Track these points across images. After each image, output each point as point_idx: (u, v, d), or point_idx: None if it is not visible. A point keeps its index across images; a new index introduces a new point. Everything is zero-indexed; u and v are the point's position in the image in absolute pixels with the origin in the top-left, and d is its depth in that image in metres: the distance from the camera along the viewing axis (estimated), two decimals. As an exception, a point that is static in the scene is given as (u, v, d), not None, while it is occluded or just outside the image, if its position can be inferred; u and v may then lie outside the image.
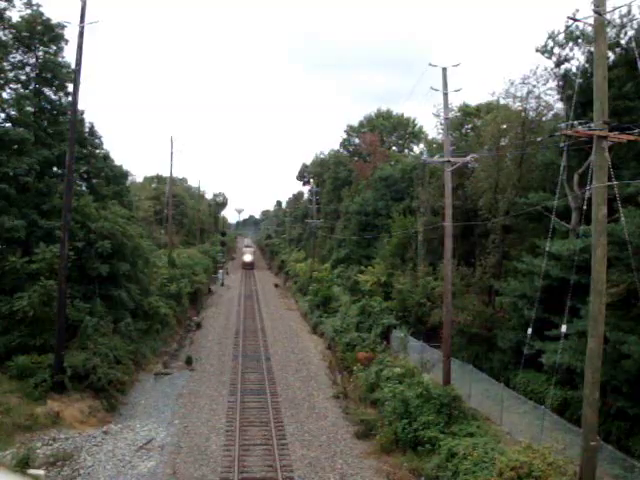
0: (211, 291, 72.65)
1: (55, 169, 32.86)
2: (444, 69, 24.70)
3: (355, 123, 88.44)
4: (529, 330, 18.05)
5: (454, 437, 20.29)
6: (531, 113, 33.15)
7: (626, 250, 16.44)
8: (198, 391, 30.63)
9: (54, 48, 31.70)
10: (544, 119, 33.53)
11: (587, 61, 26.21)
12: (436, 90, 24.88)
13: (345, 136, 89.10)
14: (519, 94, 33.15)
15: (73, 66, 27.11)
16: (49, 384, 24.84)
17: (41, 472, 19.09)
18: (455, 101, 45.71)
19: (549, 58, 29.30)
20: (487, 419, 22.97)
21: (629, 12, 25.30)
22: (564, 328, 16.68)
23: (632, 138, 14.18)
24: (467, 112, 43.65)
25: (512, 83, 33.26)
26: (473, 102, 44.88)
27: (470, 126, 43.23)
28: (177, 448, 22.79)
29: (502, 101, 36.21)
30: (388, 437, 22.83)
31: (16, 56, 31.12)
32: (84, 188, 34.95)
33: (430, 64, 24.73)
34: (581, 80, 22.84)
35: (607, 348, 17.10)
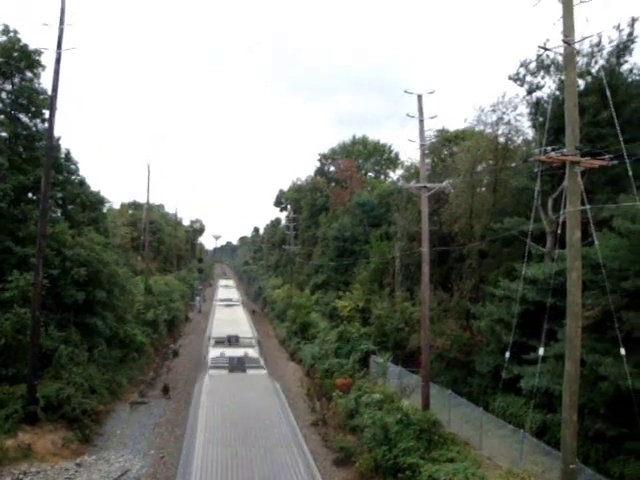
0: (188, 318, 71.90)
1: (30, 195, 32.54)
2: (419, 96, 25.15)
3: (330, 150, 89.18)
4: (507, 354, 18.14)
5: (434, 463, 20.14)
6: (502, 139, 33.84)
7: (600, 273, 16.68)
8: (175, 420, 30.13)
9: (30, 75, 31.61)
10: (515, 145, 34.25)
11: (558, 89, 26.90)
12: (412, 117, 25.29)
13: (318, 165, 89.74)
14: (490, 121, 33.92)
15: (49, 92, 27.03)
16: (21, 415, 24.17)
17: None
18: (435, 125, 46.23)
19: (521, 86, 30.04)
20: (467, 444, 22.89)
21: (599, 43, 26.12)
22: (541, 351, 16.78)
23: (603, 163, 14.52)
24: (446, 138, 44.31)
25: (482, 110, 34.08)
26: (453, 127, 45.66)
27: (449, 152, 43.83)
28: (153, 479, 22.31)
29: (476, 128, 36.99)
30: (368, 464, 22.58)
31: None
32: (59, 214, 34.63)
33: (405, 91, 25.22)
34: (553, 107, 23.35)
35: (584, 370, 17.23)
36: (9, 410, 24.10)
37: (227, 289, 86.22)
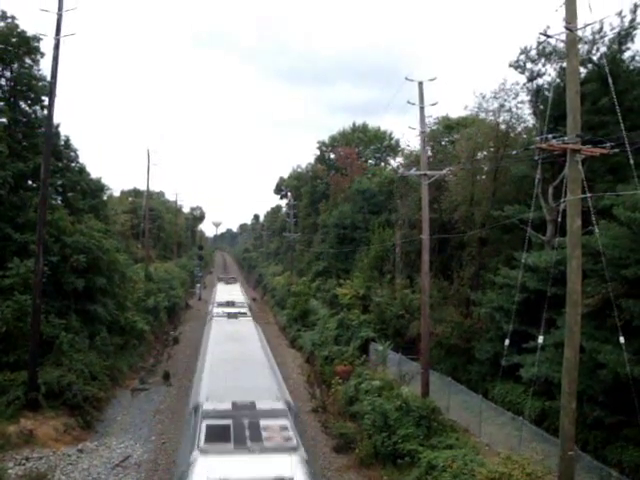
0: (189, 305, 72.07)
1: (30, 182, 32.45)
2: (420, 83, 25.04)
3: (332, 137, 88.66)
4: (506, 342, 18.21)
5: (433, 449, 20.29)
6: (503, 126, 33.72)
7: (600, 262, 16.69)
8: (175, 407, 30.26)
9: (29, 61, 31.43)
10: (516, 132, 34.14)
11: (559, 76, 26.74)
12: (412, 104, 25.18)
13: (318, 152, 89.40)
14: (491, 108, 33.82)
15: (49, 79, 26.89)
16: (22, 402, 24.25)
17: (14, 492, 18.69)
18: (436, 113, 46.07)
19: (522, 73, 29.88)
20: (466, 431, 23.02)
21: (600, 29, 25.96)
22: (541, 339, 16.83)
23: (604, 151, 14.44)
24: (448, 125, 44.20)
25: (483, 97, 33.97)
26: (457, 114, 45.56)
27: (449, 139, 43.72)
28: (154, 465, 22.48)
29: (477, 116, 36.88)
30: (367, 450, 22.75)
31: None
32: (59, 202, 34.55)
33: (407, 78, 25.07)
34: (553, 95, 23.24)
35: (583, 358, 17.28)
36: (11, 396, 24.19)
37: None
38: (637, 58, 26.39)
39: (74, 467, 21.57)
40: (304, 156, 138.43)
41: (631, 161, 14.44)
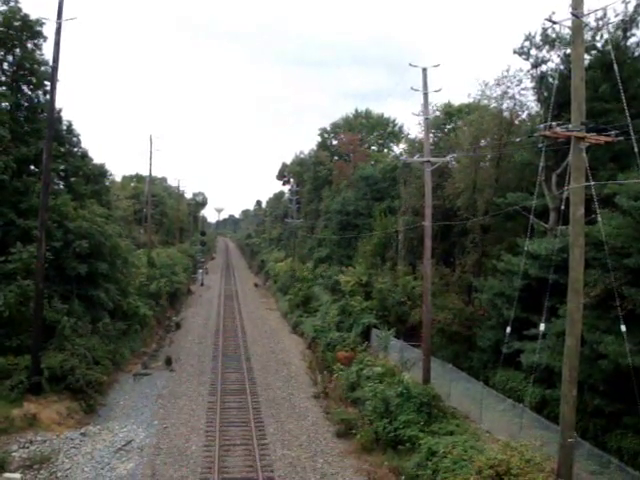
0: (190, 291, 72.25)
1: (32, 167, 32.38)
2: (424, 69, 24.88)
3: (335, 124, 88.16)
4: (507, 329, 18.23)
5: (434, 436, 20.40)
6: (506, 113, 33.55)
7: (603, 251, 16.65)
8: (178, 391, 30.45)
9: (32, 46, 31.21)
10: (519, 119, 33.97)
11: (563, 63, 26.55)
12: (416, 90, 25.05)
13: (320, 139, 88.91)
14: (494, 95, 33.63)
15: (51, 63, 26.75)
16: (26, 386, 24.49)
17: (17, 476, 18.90)
18: (439, 100, 46.05)
19: (526, 59, 29.66)
20: (466, 417, 23.13)
21: (604, 15, 25.73)
22: (542, 327, 16.84)
23: (609, 139, 14.32)
24: (449, 112, 44.02)
25: (486, 84, 33.77)
26: (458, 102, 45.42)
27: (452, 126, 43.57)
28: (157, 449, 22.64)
29: (480, 102, 36.70)
30: (368, 436, 22.90)
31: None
32: (62, 187, 34.50)
33: (410, 64, 24.92)
34: (557, 81, 23.06)
35: (584, 350, 17.30)
36: (14, 380, 24.41)
37: None
38: (642, 44, 26.17)
39: (77, 450, 21.77)
40: (307, 142, 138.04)
41: (636, 149, 14.32)
